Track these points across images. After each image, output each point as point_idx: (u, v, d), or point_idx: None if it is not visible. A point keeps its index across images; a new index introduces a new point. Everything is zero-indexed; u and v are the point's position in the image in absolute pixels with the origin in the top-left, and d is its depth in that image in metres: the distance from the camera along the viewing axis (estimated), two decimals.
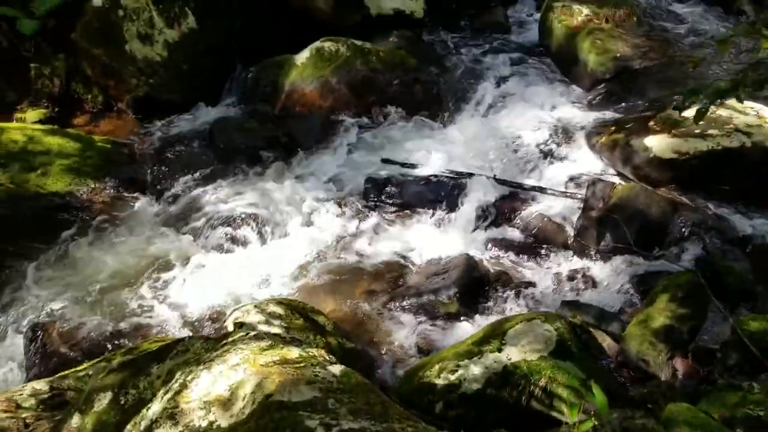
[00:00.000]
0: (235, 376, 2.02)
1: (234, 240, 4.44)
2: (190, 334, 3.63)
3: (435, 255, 4.29)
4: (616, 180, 4.52)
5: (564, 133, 5.17)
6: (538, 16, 6.87)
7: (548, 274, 4.06)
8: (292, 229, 4.54)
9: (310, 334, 3.16)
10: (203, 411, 1.95)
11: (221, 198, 4.77)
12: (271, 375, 1.98)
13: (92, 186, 4.85)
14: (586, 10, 6.22)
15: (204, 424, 1.92)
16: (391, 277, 4.15)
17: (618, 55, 5.72)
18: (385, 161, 5.05)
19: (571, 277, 3.98)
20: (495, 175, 4.76)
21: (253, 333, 2.32)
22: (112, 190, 4.89)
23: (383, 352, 3.60)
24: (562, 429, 2.53)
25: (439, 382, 2.88)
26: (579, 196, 4.45)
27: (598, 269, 3.99)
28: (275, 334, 2.42)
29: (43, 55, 5.68)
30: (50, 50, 5.71)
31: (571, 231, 4.27)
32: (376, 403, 1.95)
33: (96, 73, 5.69)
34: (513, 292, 3.93)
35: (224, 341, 2.28)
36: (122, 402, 2.32)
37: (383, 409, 1.94)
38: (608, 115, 5.28)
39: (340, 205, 4.72)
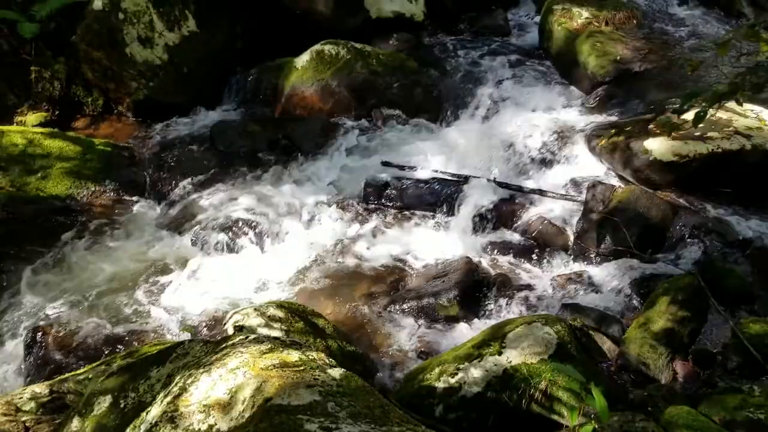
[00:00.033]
0: (235, 379, 2.01)
1: (234, 243, 4.45)
2: (190, 337, 3.63)
3: (435, 258, 4.29)
4: (616, 183, 4.52)
5: (564, 135, 5.16)
6: (537, 19, 6.87)
7: (548, 277, 4.06)
8: (292, 232, 4.54)
9: (310, 337, 3.15)
10: (203, 415, 1.95)
11: (221, 201, 4.77)
12: (271, 378, 1.97)
13: (92, 189, 4.85)
14: (585, 13, 6.22)
15: (204, 427, 1.91)
16: (391, 280, 4.15)
17: (618, 58, 5.72)
18: (385, 164, 5.05)
19: (571, 280, 3.98)
20: (495, 178, 4.76)
21: (252, 336, 2.31)
22: (112, 194, 4.90)
23: (383, 355, 3.60)
24: None
25: (440, 385, 2.88)
26: (579, 199, 4.45)
27: (599, 272, 3.99)
28: (275, 338, 2.41)
29: (43, 59, 5.69)
30: (50, 53, 5.72)
31: (571, 234, 4.28)
32: (375, 407, 1.95)
33: (96, 76, 5.70)
34: (513, 295, 3.92)
35: (224, 344, 2.28)
36: (122, 405, 2.32)
37: (383, 413, 1.93)
38: (608, 117, 5.27)
39: (340, 208, 4.73)
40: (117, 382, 2.42)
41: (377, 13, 6.47)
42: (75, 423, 2.36)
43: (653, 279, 3.75)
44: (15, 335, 3.87)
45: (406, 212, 4.73)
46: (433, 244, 4.42)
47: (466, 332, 3.64)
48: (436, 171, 4.92)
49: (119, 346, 3.66)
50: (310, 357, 2.13)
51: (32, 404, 2.71)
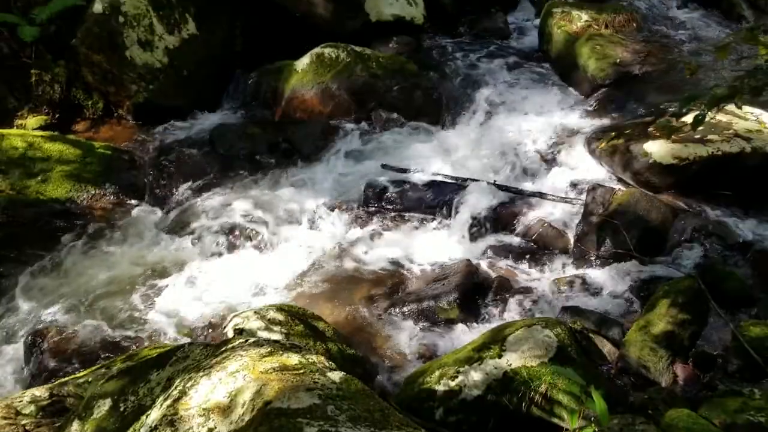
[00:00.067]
0: (235, 383, 2.01)
1: (234, 246, 4.45)
2: (190, 340, 3.63)
3: (435, 261, 4.29)
4: (616, 185, 4.52)
5: (564, 138, 5.17)
6: (537, 21, 6.88)
7: (548, 280, 4.05)
8: (291, 235, 4.54)
9: (310, 341, 3.15)
10: (202, 418, 1.94)
11: (221, 204, 4.77)
12: (271, 382, 1.97)
13: (92, 192, 4.85)
14: (585, 16, 6.23)
15: (203, 431, 1.91)
16: (391, 283, 4.14)
17: (617, 60, 5.73)
18: (385, 167, 5.05)
19: (571, 283, 3.97)
20: (495, 181, 4.76)
21: (252, 339, 2.31)
22: (112, 197, 4.90)
23: (383, 358, 3.60)
24: None
25: (440, 388, 2.88)
26: (579, 202, 4.45)
27: (599, 275, 3.99)
28: (275, 341, 2.41)
29: (43, 62, 5.69)
30: (51, 57, 5.72)
31: (571, 236, 4.28)
32: (375, 410, 1.94)
33: (96, 80, 5.70)
34: (513, 297, 3.92)
35: (224, 348, 2.28)
36: (122, 409, 2.32)
37: (383, 416, 1.93)
38: (608, 120, 5.28)
39: (340, 211, 4.73)
40: (117, 385, 2.42)
41: (377, 16, 6.48)
42: (75, 426, 2.36)
43: (653, 282, 3.76)
44: (15, 339, 3.86)
45: (406, 215, 4.73)
46: (433, 247, 4.41)
47: (466, 335, 3.64)
48: (436, 174, 4.92)
49: (119, 350, 3.65)
50: (310, 360, 2.13)
51: (32, 408, 2.70)
